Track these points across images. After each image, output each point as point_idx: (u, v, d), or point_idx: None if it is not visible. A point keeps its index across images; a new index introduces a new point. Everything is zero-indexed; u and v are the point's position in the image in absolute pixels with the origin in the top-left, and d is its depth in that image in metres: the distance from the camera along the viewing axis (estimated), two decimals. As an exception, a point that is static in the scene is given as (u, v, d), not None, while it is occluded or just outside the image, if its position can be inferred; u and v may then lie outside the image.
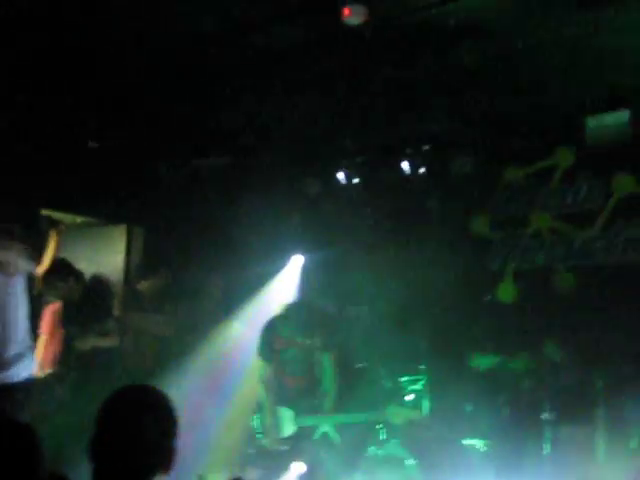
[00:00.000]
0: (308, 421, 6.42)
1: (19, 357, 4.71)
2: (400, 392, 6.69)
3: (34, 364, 4.84)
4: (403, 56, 5.75)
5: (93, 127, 7.04)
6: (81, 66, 5.93)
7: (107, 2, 5.13)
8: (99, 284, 7.65)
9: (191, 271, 7.86)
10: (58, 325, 7.17)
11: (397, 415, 6.36)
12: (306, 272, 7.63)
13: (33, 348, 4.85)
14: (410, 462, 6.39)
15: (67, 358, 7.03)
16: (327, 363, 6.45)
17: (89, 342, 7.14)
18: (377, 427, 6.56)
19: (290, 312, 6.64)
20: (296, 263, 7.83)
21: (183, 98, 6.55)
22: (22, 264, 4.70)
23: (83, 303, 7.13)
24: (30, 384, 4.78)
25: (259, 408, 6.62)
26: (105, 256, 8.06)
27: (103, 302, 7.42)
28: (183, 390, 6.17)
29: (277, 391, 6.54)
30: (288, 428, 6.48)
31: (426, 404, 6.68)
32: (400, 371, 6.68)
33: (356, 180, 7.58)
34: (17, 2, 5.05)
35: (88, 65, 5.92)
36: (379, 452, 6.50)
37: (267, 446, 6.50)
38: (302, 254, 7.86)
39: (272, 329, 6.61)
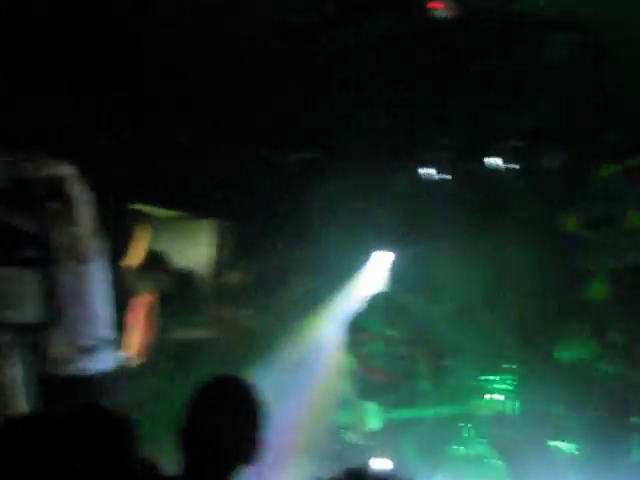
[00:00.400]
0: (395, 415, 6.37)
1: (95, 349, 4.65)
2: (487, 391, 6.60)
3: (113, 358, 4.77)
4: (493, 50, 5.66)
5: (182, 123, 7.14)
6: (169, 64, 6.03)
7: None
8: (191, 277, 7.80)
9: (278, 265, 7.92)
10: (151, 317, 7.34)
11: (483, 407, 6.27)
12: (393, 268, 7.60)
13: (112, 341, 4.80)
14: (496, 462, 6.30)
15: (162, 348, 7.18)
16: (417, 356, 6.42)
17: (183, 333, 7.29)
18: (461, 425, 6.49)
19: (374, 304, 6.65)
20: (383, 259, 7.80)
21: (270, 95, 6.59)
22: (95, 248, 4.67)
23: (177, 295, 7.27)
24: (106, 377, 4.71)
25: (344, 403, 6.63)
26: (194, 250, 8.16)
27: (196, 294, 7.56)
28: (269, 383, 6.23)
29: (363, 385, 6.55)
30: (374, 422, 6.46)
31: (514, 403, 6.57)
32: (487, 370, 6.60)
33: (445, 176, 7.49)
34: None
35: (176, 63, 6.01)
36: (465, 451, 6.43)
37: (352, 441, 6.50)
38: (390, 250, 7.83)
39: (357, 322, 6.63)
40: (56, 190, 4.43)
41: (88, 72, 5.95)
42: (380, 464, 6.45)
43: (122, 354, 4.89)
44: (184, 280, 7.59)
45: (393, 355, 6.49)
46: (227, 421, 2.68)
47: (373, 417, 6.45)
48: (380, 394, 6.46)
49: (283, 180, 7.95)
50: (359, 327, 6.63)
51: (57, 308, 4.66)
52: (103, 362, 4.69)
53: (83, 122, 6.37)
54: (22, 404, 5.06)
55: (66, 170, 4.29)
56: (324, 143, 7.60)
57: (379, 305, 6.62)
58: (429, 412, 6.34)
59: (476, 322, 6.69)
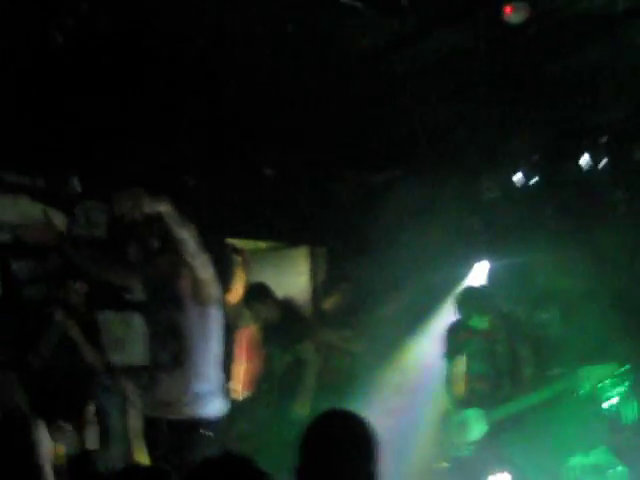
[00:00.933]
0: (497, 414, 6.24)
1: (209, 395, 4.56)
2: (601, 398, 6.39)
3: (224, 404, 4.67)
4: (569, 48, 5.56)
5: (266, 154, 7.24)
6: (254, 95, 6.11)
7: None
8: (292, 305, 7.85)
9: (373, 285, 7.91)
10: (256, 348, 7.42)
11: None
12: (491, 278, 7.49)
13: (224, 386, 4.74)
14: (619, 469, 6.10)
15: (268, 379, 7.24)
16: (520, 352, 6.30)
17: (287, 360, 7.33)
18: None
19: (465, 301, 6.56)
20: (480, 270, 7.70)
21: (354, 114, 6.61)
22: (215, 292, 4.64)
23: (281, 324, 7.33)
24: (218, 422, 4.59)
25: (446, 416, 6.55)
26: (290, 278, 8.24)
27: (298, 322, 7.59)
28: (375, 408, 6.20)
29: (464, 395, 6.47)
30: (478, 429, 6.33)
31: (632, 409, 6.34)
32: (599, 376, 6.37)
33: (534, 179, 7.35)
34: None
35: (256, 93, 6.10)
36: (585, 460, 6.24)
37: (461, 454, 6.39)
38: (486, 260, 7.72)
39: (455, 324, 6.58)
40: (158, 228, 4.40)
41: (180, 112, 6.11)
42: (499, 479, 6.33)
43: (229, 398, 4.79)
44: (285, 309, 7.63)
45: (491, 353, 6.38)
46: (343, 457, 2.67)
47: (476, 424, 6.33)
48: (482, 400, 6.35)
49: (371, 200, 7.95)
50: (457, 327, 6.56)
51: (181, 356, 4.57)
52: (215, 408, 4.60)
53: (174, 160, 6.55)
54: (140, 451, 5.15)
55: (164, 207, 4.21)
56: (410, 158, 7.58)
57: (471, 299, 6.53)
58: (532, 399, 6.15)
59: (583, 324, 6.51)
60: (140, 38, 5.30)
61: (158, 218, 4.25)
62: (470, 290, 6.85)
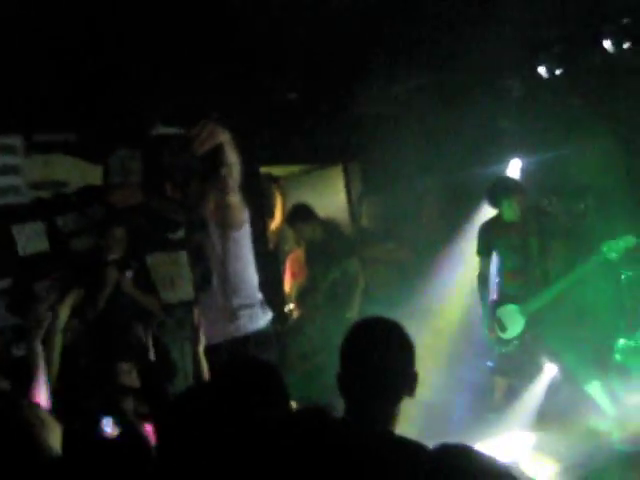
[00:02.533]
0: (534, 305, 6.30)
1: (246, 309, 4.71)
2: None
3: (264, 317, 4.81)
4: None
5: (289, 78, 7.25)
6: (268, 20, 6.13)
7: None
8: (334, 223, 7.99)
9: (409, 195, 7.98)
10: (303, 269, 7.62)
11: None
12: (525, 175, 7.49)
13: (263, 302, 4.84)
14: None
15: (314, 298, 7.45)
16: (555, 249, 6.31)
17: (334, 277, 7.51)
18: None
19: (497, 186, 6.56)
20: (513, 167, 7.71)
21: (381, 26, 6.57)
22: (242, 216, 4.76)
23: (325, 243, 7.47)
24: (262, 337, 4.73)
25: (484, 314, 6.60)
26: (327, 198, 8.33)
27: (342, 240, 7.72)
28: (419, 315, 6.35)
29: (500, 291, 6.53)
30: (516, 326, 6.37)
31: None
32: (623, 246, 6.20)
33: (558, 71, 7.25)
34: None
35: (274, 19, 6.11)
36: (630, 343, 6.34)
37: (505, 350, 6.45)
38: (518, 157, 7.72)
39: (488, 221, 6.61)
40: (218, 158, 4.32)
41: (199, 46, 6.15)
42: (546, 371, 6.44)
43: (271, 312, 4.92)
44: (328, 228, 7.76)
45: (523, 247, 6.36)
46: (384, 362, 2.77)
47: (515, 319, 6.34)
48: (517, 295, 6.37)
49: (399, 111, 7.93)
50: (491, 224, 6.55)
51: (208, 276, 4.74)
52: (255, 322, 4.74)
53: (197, 96, 6.62)
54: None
55: (224, 137, 4.21)
56: (433, 64, 7.51)
57: (501, 188, 6.49)
58: (564, 284, 6.18)
59: (619, 213, 6.51)
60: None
61: (220, 148, 4.25)
62: (500, 180, 6.79)
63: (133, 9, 5.47)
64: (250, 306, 4.75)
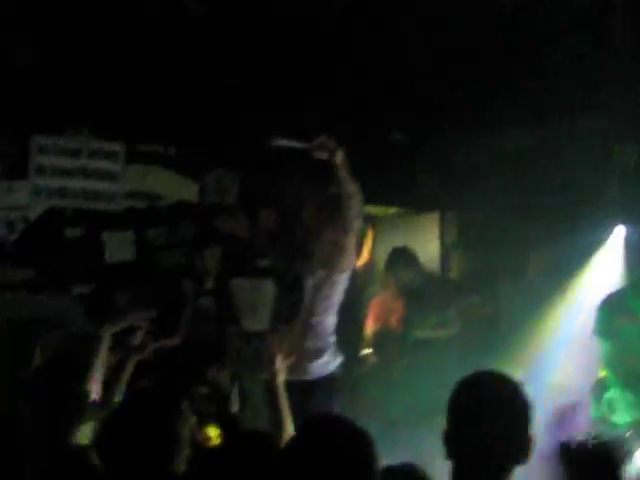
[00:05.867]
0: None
1: (319, 354, 4.56)
2: None
3: (335, 362, 4.63)
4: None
5: (395, 120, 7.17)
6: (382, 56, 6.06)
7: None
8: (433, 272, 7.75)
9: (508, 250, 7.73)
10: (387, 313, 7.38)
11: None
12: (630, 245, 7.17)
13: (335, 346, 4.65)
14: None
15: (402, 344, 7.19)
16: None
17: (426, 332, 7.24)
18: None
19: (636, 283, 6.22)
20: (618, 235, 7.38)
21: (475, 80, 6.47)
22: (350, 261, 4.56)
23: (424, 291, 7.24)
24: (329, 382, 4.57)
25: (602, 392, 6.27)
26: (420, 245, 8.13)
27: (442, 291, 7.45)
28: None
29: (619, 375, 6.18)
30: (626, 415, 6.07)
31: None
32: None
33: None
34: None
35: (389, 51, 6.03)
36: None
37: (608, 433, 6.13)
38: (625, 225, 7.40)
39: (615, 303, 6.26)
40: (334, 184, 4.21)
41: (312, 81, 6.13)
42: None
43: (341, 357, 4.71)
44: (428, 276, 7.53)
45: None
46: (496, 420, 2.55)
47: (627, 406, 6.05)
48: (636, 382, 6.05)
49: (500, 163, 7.76)
50: (618, 309, 6.22)
51: (298, 308, 4.58)
52: (325, 367, 4.60)
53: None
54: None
55: (339, 157, 4.09)
56: (543, 121, 7.34)
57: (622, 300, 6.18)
58: None
59: None
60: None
61: (332, 167, 4.03)
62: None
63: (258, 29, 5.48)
64: (323, 350, 4.61)
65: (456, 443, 2.57)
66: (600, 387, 6.18)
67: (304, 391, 4.31)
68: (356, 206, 4.24)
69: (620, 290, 6.22)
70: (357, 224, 4.34)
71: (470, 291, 7.59)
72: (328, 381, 4.57)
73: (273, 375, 4.13)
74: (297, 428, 2.53)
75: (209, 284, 6.22)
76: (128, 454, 2.83)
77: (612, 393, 6.06)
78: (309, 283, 4.54)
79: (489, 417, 2.55)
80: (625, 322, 6.06)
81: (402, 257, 7.28)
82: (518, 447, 2.56)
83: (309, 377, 4.49)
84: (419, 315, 7.16)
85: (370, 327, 7.52)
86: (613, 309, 6.15)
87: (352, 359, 5.40)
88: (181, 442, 2.94)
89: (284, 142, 4.31)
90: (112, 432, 2.97)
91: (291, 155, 4.42)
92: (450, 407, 2.60)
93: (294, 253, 4.76)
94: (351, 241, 4.39)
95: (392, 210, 8.35)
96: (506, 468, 2.55)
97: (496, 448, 2.53)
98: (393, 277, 7.36)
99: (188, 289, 6.06)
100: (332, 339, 4.67)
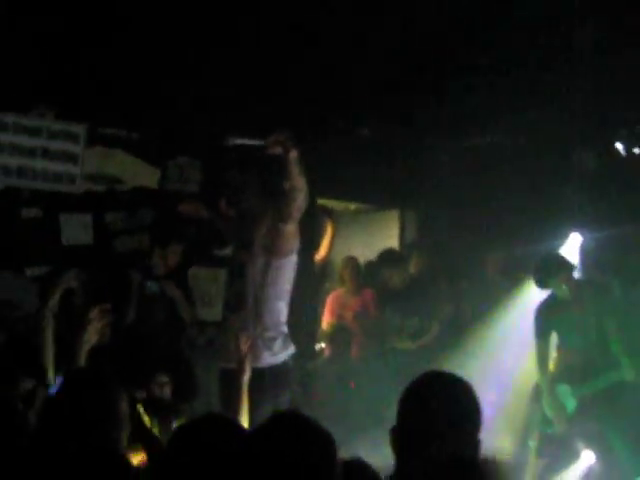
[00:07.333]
0: (589, 388, 6.07)
1: (269, 341, 4.55)
2: None
3: (286, 352, 4.62)
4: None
5: (363, 117, 7.17)
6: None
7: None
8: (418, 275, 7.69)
9: (466, 251, 7.79)
10: (342, 308, 7.39)
11: None
12: (585, 251, 7.25)
13: (287, 336, 4.65)
14: None
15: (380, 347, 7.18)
16: (611, 329, 6.07)
17: (406, 344, 7.24)
18: None
19: (543, 262, 6.33)
20: (573, 242, 7.46)
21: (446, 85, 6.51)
22: (292, 245, 4.61)
23: (408, 295, 7.22)
24: (279, 371, 4.56)
25: (539, 393, 6.38)
26: (378, 241, 8.17)
27: (426, 297, 7.42)
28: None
29: (558, 371, 6.30)
30: (570, 405, 6.16)
31: None
32: None
33: (637, 150, 7.07)
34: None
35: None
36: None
37: (555, 431, 6.23)
38: (579, 232, 7.48)
39: (544, 302, 6.36)
40: (284, 179, 4.21)
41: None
42: (585, 457, 6.17)
43: (293, 348, 4.72)
44: (414, 279, 7.51)
45: (585, 325, 6.14)
46: (442, 419, 2.52)
47: (568, 400, 6.14)
48: (575, 374, 6.14)
49: (467, 166, 7.81)
50: (548, 305, 6.32)
51: (243, 297, 4.59)
52: (275, 355, 4.58)
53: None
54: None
55: (292, 154, 4.08)
56: (504, 126, 7.41)
57: (547, 265, 6.25)
58: (621, 376, 5.92)
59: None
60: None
61: (285, 163, 4.12)
62: (545, 259, 6.56)
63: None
64: (274, 338, 4.60)
65: (401, 438, 2.56)
66: (539, 390, 6.31)
67: (254, 379, 4.27)
68: (300, 199, 4.32)
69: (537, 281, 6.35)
70: (298, 215, 4.41)
71: (447, 298, 7.61)
72: (279, 370, 4.57)
73: (240, 374, 4.18)
74: (259, 427, 2.48)
75: (161, 270, 6.15)
76: (68, 430, 2.84)
77: (555, 390, 6.17)
78: (253, 270, 4.58)
79: (434, 414, 2.52)
80: (558, 315, 6.17)
81: (391, 258, 7.29)
82: (463, 448, 2.52)
83: (259, 365, 4.46)
84: (400, 317, 7.19)
85: (326, 321, 7.55)
86: (546, 307, 6.27)
87: (307, 352, 5.38)
88: (120, 418, 2.95)
89: (239, 141, 4.36)
90: (52, 409, 3.00)
91: (246, 150, 4.47)
92: (400, 404, 2.60)
93: (237, 241, 4.82)
94: (291, 228, 4.44)
95: (353, 206, 8.36)
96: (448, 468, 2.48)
97: (439, 446, 2.48)
98: (380, 277, 7.37)
99: (135, 279, 6.01)
100: (284, 328, 4.67)
